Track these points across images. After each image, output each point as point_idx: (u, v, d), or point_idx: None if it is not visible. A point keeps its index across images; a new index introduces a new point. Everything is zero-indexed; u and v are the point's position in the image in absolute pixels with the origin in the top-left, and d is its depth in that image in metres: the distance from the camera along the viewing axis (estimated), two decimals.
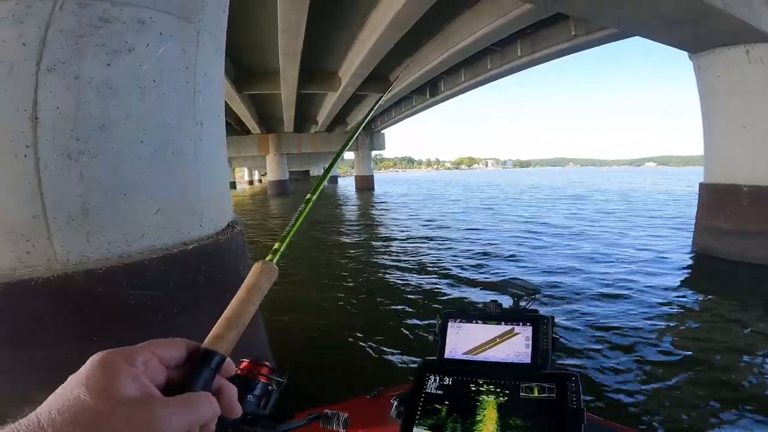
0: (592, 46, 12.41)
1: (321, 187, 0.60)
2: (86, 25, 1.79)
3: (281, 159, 31.83)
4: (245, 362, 0.63)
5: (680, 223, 11.73)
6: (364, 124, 1.08)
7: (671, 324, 4.69)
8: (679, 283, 6.18)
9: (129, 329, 1.94)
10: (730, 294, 5.52)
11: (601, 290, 5.88)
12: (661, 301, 5.35)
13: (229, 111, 21.89)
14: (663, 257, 7.80)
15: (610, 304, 5.29)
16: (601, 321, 4.72)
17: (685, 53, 7.79)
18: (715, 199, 7.57)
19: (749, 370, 3.58)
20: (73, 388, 0.33)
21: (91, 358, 0.35)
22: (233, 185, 53.09)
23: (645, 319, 4.78)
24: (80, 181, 1.78)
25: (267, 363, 0.64)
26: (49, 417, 0.31)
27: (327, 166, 0.71)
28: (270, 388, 0.62)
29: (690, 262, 7.46)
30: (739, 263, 6.83)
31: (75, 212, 1.79)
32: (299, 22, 9.36)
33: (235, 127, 28.71)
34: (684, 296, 5.64)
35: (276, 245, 0.52)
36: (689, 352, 3.94)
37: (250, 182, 68.16)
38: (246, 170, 69.18)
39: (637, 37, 8.69)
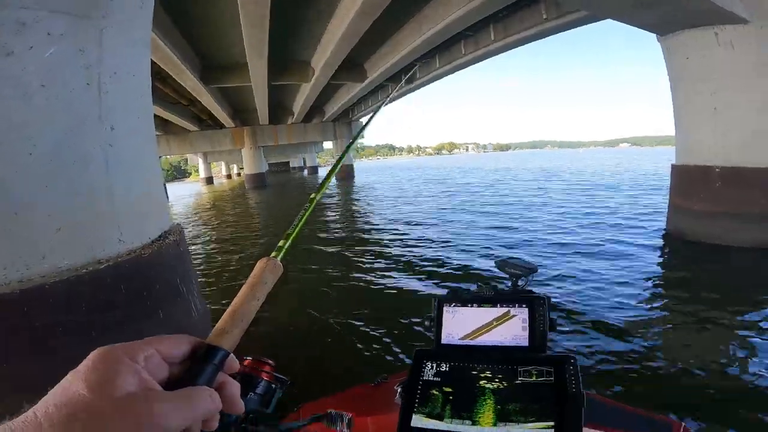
0: (564, 30, 12.40)
1: (325, 187, 0.64)
2: None
3: (257, 152, 31.23)
4: (248, 360, 0.61)
5: (654, 208, 11.85)
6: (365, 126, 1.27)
7: (640, 306, 4.69)
8: (652, 266, 6.20)
9: (39, 355, 1.76)
10: (702, 277, 5.53)
11: (572, 270, 5.86)
12: (630, 283, 5.37)
13: (199, 105, 21.31)
14: (635, 240, 7.83)
15: (579, 286, 5.28)
16: (570, 303, 4.70)
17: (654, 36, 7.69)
18: (687, 180, 7.56)
19: (716, 352, 3.62)
20: (72, 383, 0.32)
21: (91, 353, 0.34)
22: (210, 180, 51.76)
23: (614, 300, 4.79)
24: None
25: (269, 361, 0.62)
26: (46, 413, 0.30)
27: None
28: (273, 386, 0.60)
29: (663, 243, 7.49)
30: (712, 245, 6.83)
31: None
32: (262, 14, 9.02)
33: (207, 121, 27.96)
34: (656, 279, 5.66)
35: (281, 242, 0.52)
36: (661, 336, 3.99)
37: (228, 176, 66.90)
38: (223, 164, 67.83)
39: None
